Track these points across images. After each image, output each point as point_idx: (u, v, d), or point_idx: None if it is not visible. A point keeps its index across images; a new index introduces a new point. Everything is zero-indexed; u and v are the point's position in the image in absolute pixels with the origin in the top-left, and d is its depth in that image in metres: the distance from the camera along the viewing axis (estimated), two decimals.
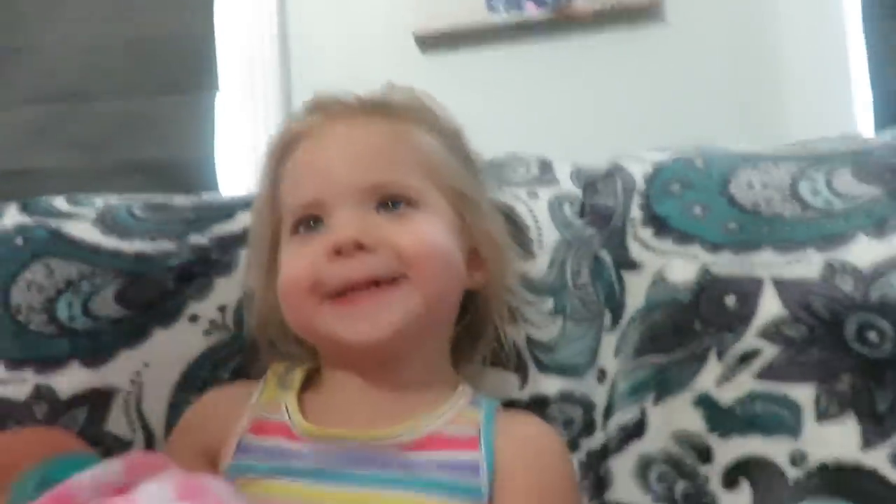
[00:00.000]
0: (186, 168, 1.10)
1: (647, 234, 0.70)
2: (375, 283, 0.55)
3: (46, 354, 0.67)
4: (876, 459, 0.56)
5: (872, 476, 0.55)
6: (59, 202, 0.78)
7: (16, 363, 0.67)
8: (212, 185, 1.10)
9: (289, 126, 0.64)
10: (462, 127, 0.67)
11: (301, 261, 0.57)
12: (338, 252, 0.55)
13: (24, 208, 0.77)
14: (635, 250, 0.69)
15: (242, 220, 0.72)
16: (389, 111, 0.63)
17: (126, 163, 1.11)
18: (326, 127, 0.62)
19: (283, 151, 0.63)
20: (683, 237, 0.68)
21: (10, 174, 1.11)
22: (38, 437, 0.58)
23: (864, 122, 1.00)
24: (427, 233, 0.58)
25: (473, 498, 0.53)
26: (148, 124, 1.11)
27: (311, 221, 0.59)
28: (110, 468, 0.46)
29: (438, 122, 0.65)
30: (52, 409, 0.65)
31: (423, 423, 0.56)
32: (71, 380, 0.66)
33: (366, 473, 0.53)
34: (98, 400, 0.66)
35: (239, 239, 0.72)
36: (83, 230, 0.73)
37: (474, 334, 0.65)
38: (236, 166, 1.13)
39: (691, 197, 0.70)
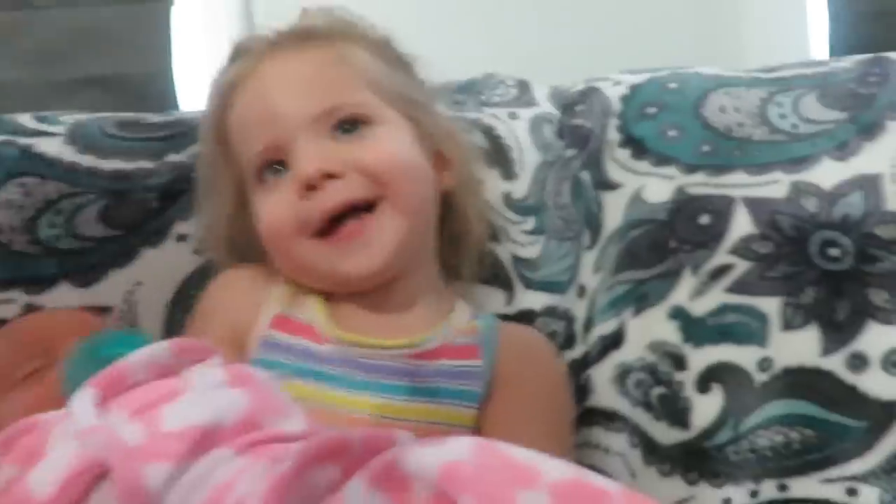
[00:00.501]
0: (143, 82, 1.05)
1: (624, 155, 0.72)
2: (355, 210, 0.57)
3: (34, 275, 0.66)
4: (833, 363, 0.61)
5: (830, 377, 0.61)
6: (25, 119, 0.76)
7: (3, 283, 0.66)
8: (170, 99, 1.06)
9: (220, 78, 0.63)
10: (389, 33, 0.66)
11: (277, 207, 0.57)
12: (309, 187, 0.56)
13: None
14: (613, 171, 0.72)
15: None
16: (314, 37, 0.62)
17: (81, 77, 1.06)
18: (258, 69, 0.61)
19: (223, 106, 0.62)
20: (660, 159, 0.71)
21: None
22: (74, 315, 0.58)
23: (817, 49, 1.03)
24: (390, 147, 0.58)
25: (474, 402, 0.57)
26: (102, 36, 1.05)
27: (274, 166, 0.59)
28: (160, 349, 0.47)
29: (366, 35, 0.64)
30: None
31: (432, 335, 0.59)
32: (61, 299, 0.66)
33: (383, 382, 0.56)
34: None
35: None
36: (56, 148, 0.71)
37: (456, 239, 0.66)
38: (194, 81, 1.09)
39: (667, 119, 0.73)
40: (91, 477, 0.39)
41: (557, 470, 0.36)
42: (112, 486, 0.38)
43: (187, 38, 1.09)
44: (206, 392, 0.44)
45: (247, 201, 0.62)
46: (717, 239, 0.67)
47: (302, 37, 0.62)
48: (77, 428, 0.41)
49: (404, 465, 0.35)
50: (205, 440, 0.40)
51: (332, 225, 0.57)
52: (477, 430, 0.57)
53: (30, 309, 0.65)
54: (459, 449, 0.36)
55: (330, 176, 0.56)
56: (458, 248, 0.66)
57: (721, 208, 0.67)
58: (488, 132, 0.74)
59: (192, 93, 1.08)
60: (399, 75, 0.63)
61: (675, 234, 0.68)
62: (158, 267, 0.67)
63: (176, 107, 1.06)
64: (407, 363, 0.57)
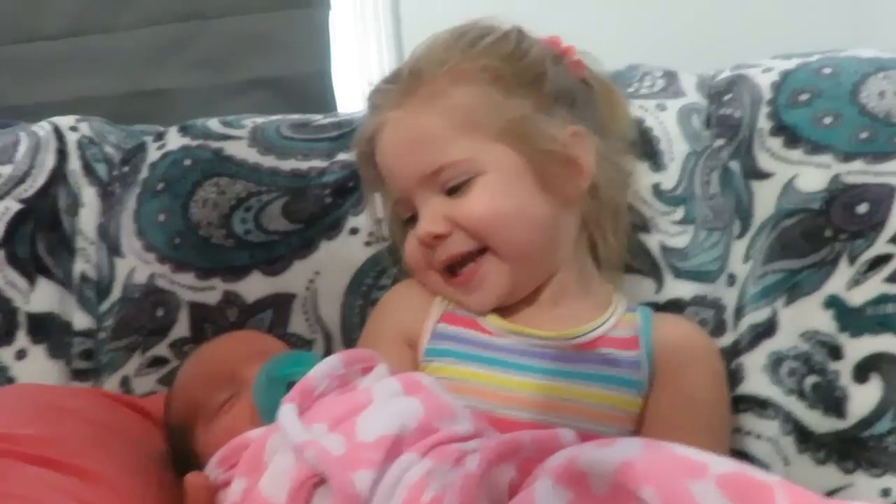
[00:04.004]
0: (305, 83, 1.14)
1: (776, 143, 0.72)
2: (470, 256, 0.63)
3: (230, 265, 0.75)
4: None
5: None
6: (214, 124, 0.84)
7: (205, 272, 0.75)
8: (329, 100, 1.14)
9: (361, 130, 0.71)
10: (521, 38, 0.66)
11: (411, 246, 0.66)
12: (424, 244, 0.64)
13: (183, 131, 0.84)
14: (764, 160, 0.72)
15: None
16: (420, 80, 0.65)
17: (247, 80, 1.16)
18: (380, 127, 0.67)
19: (370, 151, 0.69)
20: (814, 147, 0.71)
21: (139, 94, 1.18)
22: (247, 340, 0.67)
23: None
24: (487, 202, 0.62)
25: (635, 389, 0.61)
26: (265, 42, 1.15)
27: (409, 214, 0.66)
28: (333, 362, 0.54)
29: (487, 56, 0.64)
30: (241, 312, 0.74)
31: (590, 327, 0.63)
32: (254, 287, 0.74)
33: (545, 366, 0.61)
34: (280, 304, 0.74)
35: None
36: (242, 150, 0.80)
37: (604, 231, 0.69)
38: (349, 85, 1.17)
39: (821, 106, 0.72)
40: (311, 485, 0.46)
41: (722, 463, 0.39)
42: (329, 492, 0.45)
43: (341, 41, 1.17)
44: (387, 401, 0.50)
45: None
46: (876, 228, 0.66)
47: (409, 84, 0.65)
48: (292, 442, 0.48)
49: (581, 464, 0.40)
50: (395, 447, 0.47)
51: (454, 266, 0.64)
52: (640, 416, 0.60)
53: (227, 295, 0.74)
54: (631, 447, 0.40)
55: (440, 236, 0.63)
56: (607, 240, 0.69)
57: (880, 197, 0.67)
58: (637, 125, 0.76)
59: (348, 92, 1.16)
60: (512, 100, 0.63)
61: (831, 223, 0.68)
62: (334, 258, 0.75)
63: (335, 105, 1.14)
64: (567, 352, 0.62)
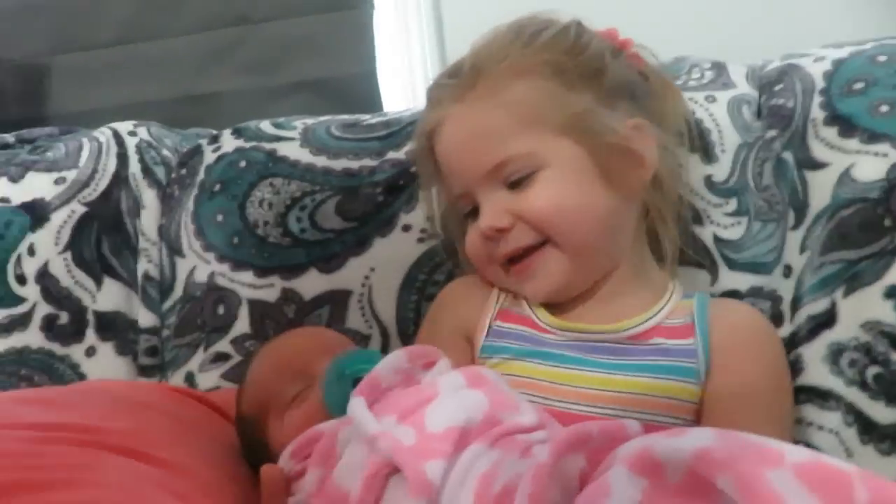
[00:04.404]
0: (350, 84, 1.16)
1: (830, 133, 0.72)
2: (532, 248, 0.63)
3: (288, 263, 0.77)
4: None
5: None
6: (266, 126, 0.86)
7: (263, 270, 0.77)
8: (375, 100, 1.16)
9: (421, 124, 0.70)
10: (580, 32, 0.66)
11: (473, 240, 0.66)
12: (487, 238, 0.64)
13: (237, 133, 0.86)
14: (818, 150, 0.72)
15: None
16: (481, 74, 0.64)
17: (294, 82, 1.19)
18: (441, 122, 0.66)
19: (429, 147, 0.68)
20: (871, 135, 0.70)
21: (190, 98, 1.21)
22: (315, 336, 0.68)
23: None
24: (551, 195, 0.62)
25: (692, 378, 0.60)
26: (311, 44, 1.17)
27: (471, 207, 0.66)
28: (398, 357, 0.55)
29: (546, 51, 0.64)
30: (299, 308, 0.76)
31: (645, 317, 0.63)
32: (311, 284, 0.76)
33: (601, 360, 0.61)
34: (336, 300, 0.76)
35: None
36: (295, 151, 0.82)
37: (661, 222, 0.69)
38: (392, 84, 1.18)
39: (877, 94, 0.71)
40: (384, 474, 0.48)
41: (797, 452, 0.39)
42: (402, 481, 0.47)
43: (385, 41, 1.19)
44: (453, 394, 0.51)
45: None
46: None
47: (469, 79, 0.65)
48: (365, 433, 0.49)
49: (656, 452, 0.40)
50: (462, 438, 0.48)
51: (515, 258, 0.64)
52: (699, 405, 0.60)
53: (285, 292, 0.76)
54: (705, 436, 0.40)
55: (501, 230, 0.63)
56: (667, 231, 0.69)
57: None
58: (688, 117, 0.76)
59: (393, 91, 1.18)
60: (574, 94, 0.63)
61: (891, 212, 0.67)
62: (388, 254, 0.76)
63: (381, 105, 1.16)
64: (621, 344, 0.62)
